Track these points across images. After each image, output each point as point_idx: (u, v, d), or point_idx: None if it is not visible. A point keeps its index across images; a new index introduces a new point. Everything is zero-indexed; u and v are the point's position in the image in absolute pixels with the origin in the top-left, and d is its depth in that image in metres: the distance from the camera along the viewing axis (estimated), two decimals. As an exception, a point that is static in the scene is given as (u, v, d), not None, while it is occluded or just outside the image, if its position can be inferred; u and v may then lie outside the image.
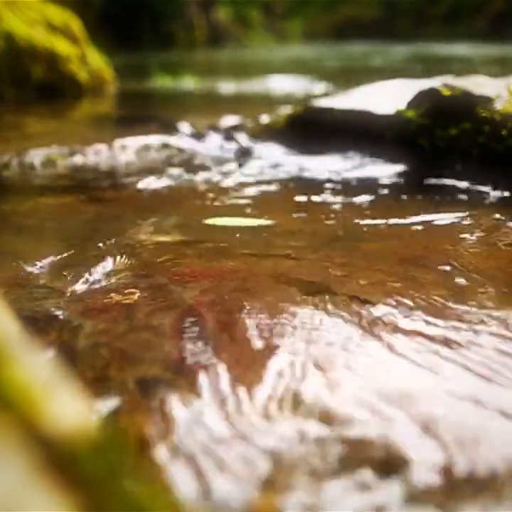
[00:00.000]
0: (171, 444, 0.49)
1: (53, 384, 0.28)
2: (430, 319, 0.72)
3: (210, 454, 0.48)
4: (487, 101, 1.58)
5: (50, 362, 0.30)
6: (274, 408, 0.54)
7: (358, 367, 0.61)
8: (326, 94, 2.59)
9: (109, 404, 0.54)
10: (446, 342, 0.66)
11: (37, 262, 0.92)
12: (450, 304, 0.76)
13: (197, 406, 0.54)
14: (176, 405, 0.54)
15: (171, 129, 2.17)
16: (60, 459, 0.24)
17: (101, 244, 1.00)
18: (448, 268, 0.89)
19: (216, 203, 1.31)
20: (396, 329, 0.69)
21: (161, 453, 0.48)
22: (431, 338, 0.67)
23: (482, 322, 0.71)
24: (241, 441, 0.49)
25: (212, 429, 0.51)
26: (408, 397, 0.56)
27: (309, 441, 0.49)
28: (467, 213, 1.17)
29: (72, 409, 0.27)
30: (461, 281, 0.84)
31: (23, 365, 0.28)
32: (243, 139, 1.93)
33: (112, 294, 0.79)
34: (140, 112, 2.88)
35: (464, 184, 1.46)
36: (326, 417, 0.52)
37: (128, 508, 0.25)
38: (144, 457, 0.48)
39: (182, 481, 0.44)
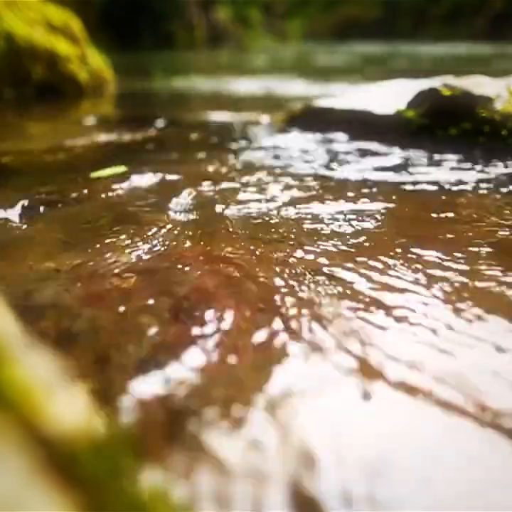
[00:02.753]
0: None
1: (54, 384, 0.28)
2: None
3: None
4: (487, 101, 1.58)
5: (50, 360, 0.30)
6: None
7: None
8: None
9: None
10: None
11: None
12: None
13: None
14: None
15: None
16: (60, 459, 0.24)
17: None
18: None
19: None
20: None
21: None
22: None
23: None
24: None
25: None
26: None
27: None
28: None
29: (73, 409, 0.27)
30: None
31: (24, 365, 0.28)
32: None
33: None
34: (142, 111, 2.88)
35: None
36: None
37: (128, 508, 0.25)
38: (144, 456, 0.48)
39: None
